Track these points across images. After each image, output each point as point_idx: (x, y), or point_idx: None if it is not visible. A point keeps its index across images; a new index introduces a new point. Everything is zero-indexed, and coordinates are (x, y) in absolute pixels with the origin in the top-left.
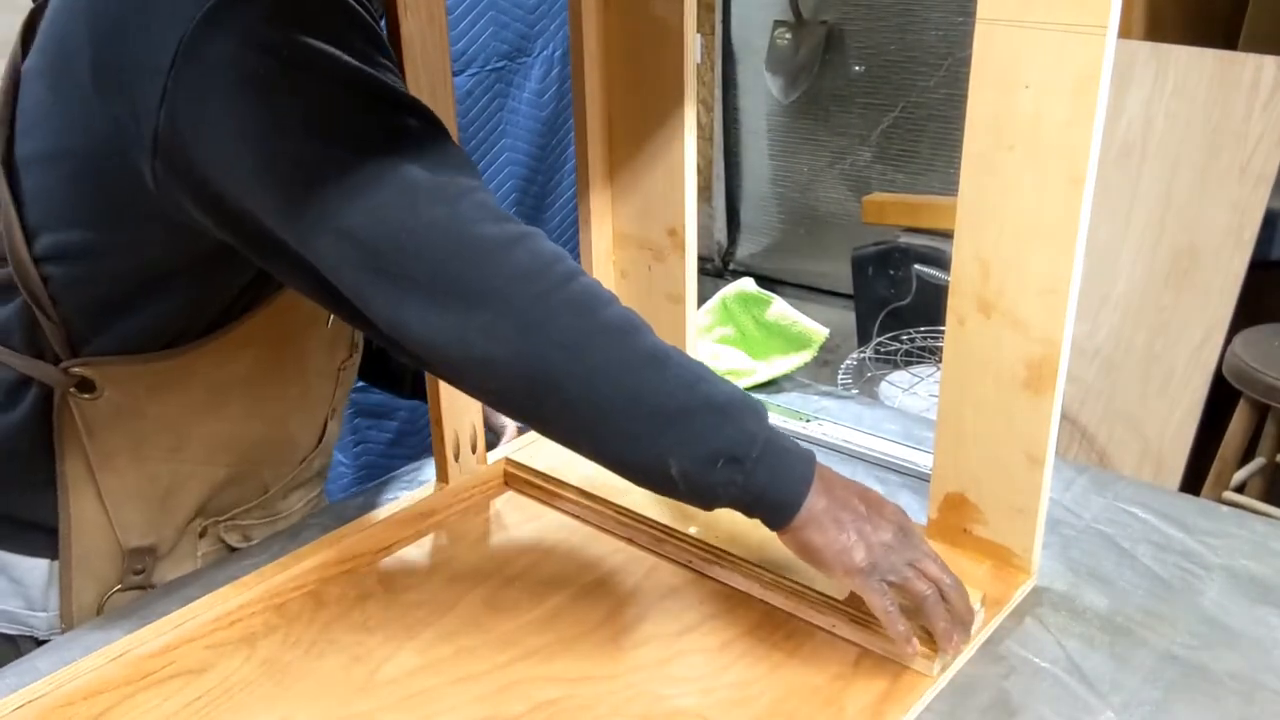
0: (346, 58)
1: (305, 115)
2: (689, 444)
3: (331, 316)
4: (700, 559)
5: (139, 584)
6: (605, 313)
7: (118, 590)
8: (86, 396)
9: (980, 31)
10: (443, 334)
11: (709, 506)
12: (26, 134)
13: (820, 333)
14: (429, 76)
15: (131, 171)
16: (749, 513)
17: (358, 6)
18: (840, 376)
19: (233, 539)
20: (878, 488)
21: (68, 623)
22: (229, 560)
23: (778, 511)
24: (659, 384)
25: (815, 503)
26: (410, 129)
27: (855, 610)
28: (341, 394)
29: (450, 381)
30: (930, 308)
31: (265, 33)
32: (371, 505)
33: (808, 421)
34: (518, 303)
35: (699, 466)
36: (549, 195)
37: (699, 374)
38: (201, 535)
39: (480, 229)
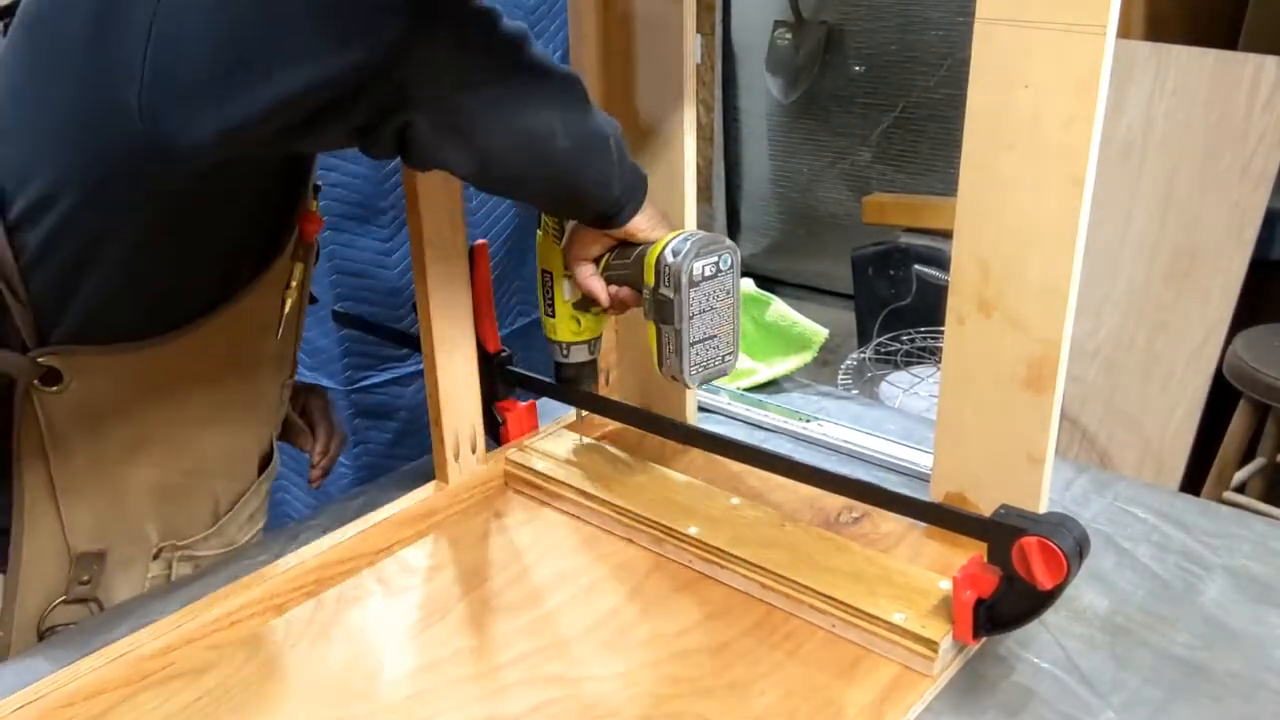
0: None
1: None
2: (617, 167)
3: (282, 326)
4: (700, 559)
5: (83, 595)
6: (557, 72)
7: (61, 602)
8: (52, 389)
9: (980, 31)
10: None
11: (612, 221)
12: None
13: (820, 333)
14: None
15: (121, 110)
16: (607, 214)
17: None
18: (840, 377)
19: (184, 569)
20: None
21: (5, 631)
22: (228, 561)
23: (629, 213)
24: (599, 123)
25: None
26: None
27: (855, 610)
28: (280, 416)
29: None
30: (930, 308)
31: None
32: (371, 505)
33: (808, 421)
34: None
35: (627, 179)
36: None
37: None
38: (155, 557)
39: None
